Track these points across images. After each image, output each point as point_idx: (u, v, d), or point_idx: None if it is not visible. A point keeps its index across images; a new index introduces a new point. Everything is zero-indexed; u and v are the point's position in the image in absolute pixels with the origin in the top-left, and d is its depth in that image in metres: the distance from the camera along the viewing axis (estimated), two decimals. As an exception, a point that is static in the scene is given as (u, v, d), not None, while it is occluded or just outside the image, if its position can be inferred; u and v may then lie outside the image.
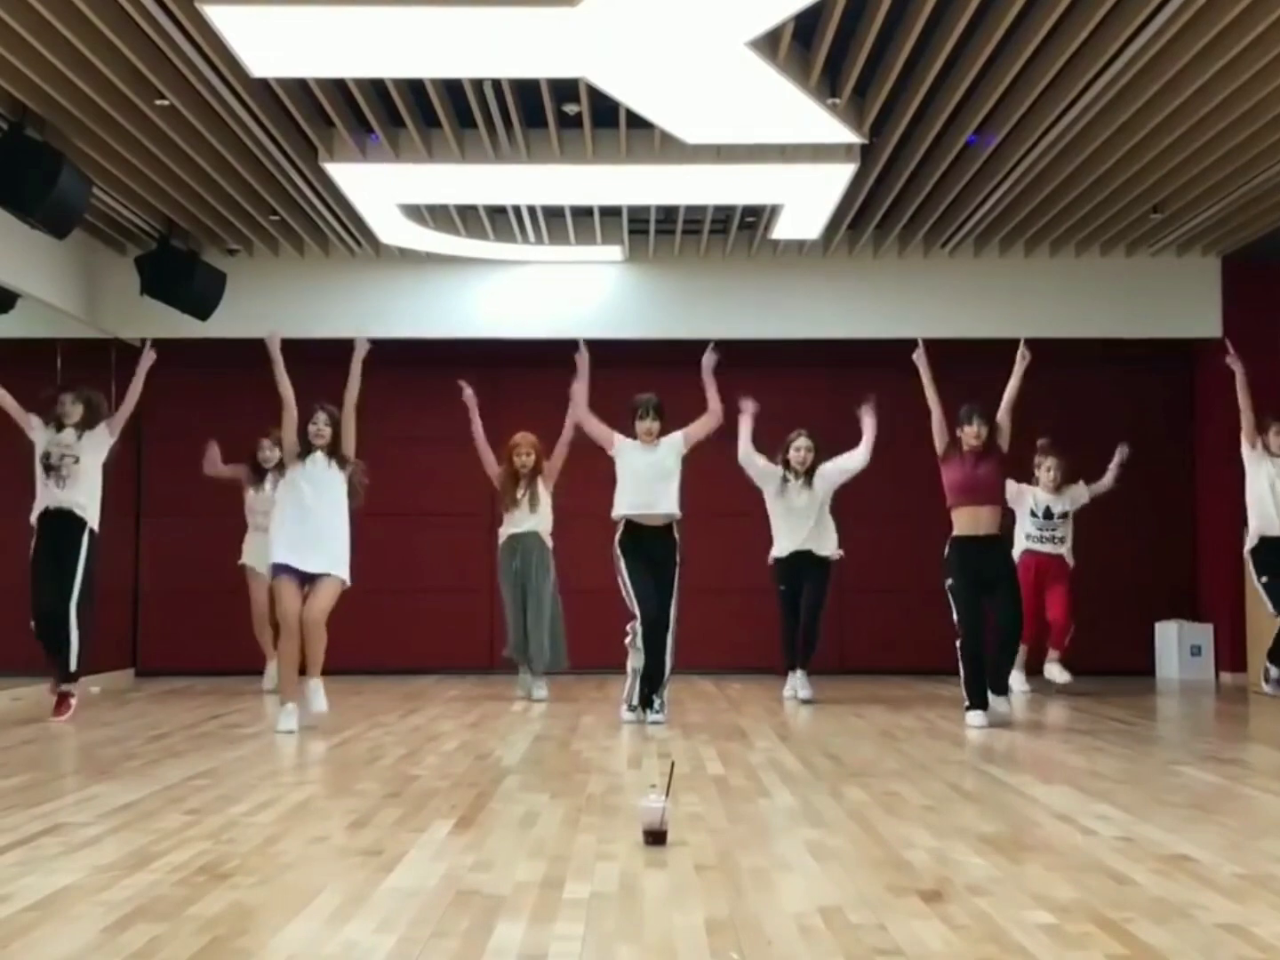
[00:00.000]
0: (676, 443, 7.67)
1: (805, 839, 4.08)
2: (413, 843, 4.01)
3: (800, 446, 8.91)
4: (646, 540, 7.46)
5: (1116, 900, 3.28)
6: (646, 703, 7.44)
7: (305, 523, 7.19)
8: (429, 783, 5.24)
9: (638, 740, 6.71)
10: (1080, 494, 9.40)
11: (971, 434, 7.48)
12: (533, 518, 8.92)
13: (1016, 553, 8.92)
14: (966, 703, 7.32)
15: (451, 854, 3.86)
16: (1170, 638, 10.91)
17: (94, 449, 7.97)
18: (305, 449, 7.36)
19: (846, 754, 6.18)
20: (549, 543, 8.98)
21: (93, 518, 7.90)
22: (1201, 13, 6.25)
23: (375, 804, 4.73)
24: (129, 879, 3.50)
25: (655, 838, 3.93)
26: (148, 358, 8.26)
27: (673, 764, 4.59)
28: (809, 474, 8.88)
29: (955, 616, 7.38)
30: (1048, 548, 9.30)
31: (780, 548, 8.95)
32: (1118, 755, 6.15)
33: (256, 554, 9.01)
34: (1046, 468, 9.28)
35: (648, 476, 7.54)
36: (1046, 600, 9.22)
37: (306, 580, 7.19)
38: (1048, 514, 9.32)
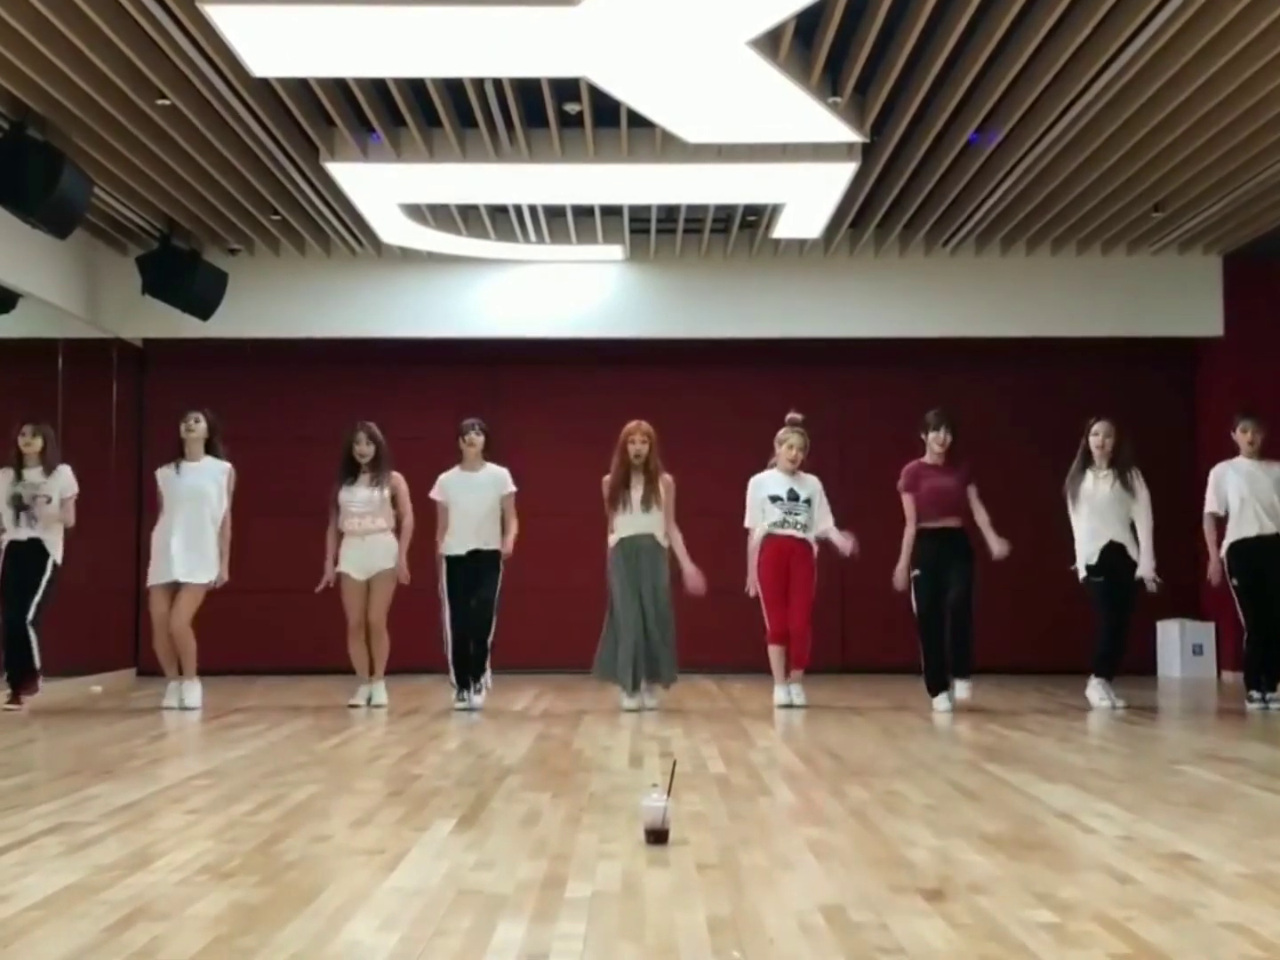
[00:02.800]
0: (500, 480, 8.29)
1: (807, 837, 4.08)
2: (414, 842, 4.01)
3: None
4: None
5: (1118, 899, 3.28)
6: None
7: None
8: (431, 782, 5.24)
9: (639, 739, 6.71)
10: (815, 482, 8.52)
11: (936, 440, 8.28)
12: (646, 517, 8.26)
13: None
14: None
15: (453, 853, 3.86)
16: (1172, 636, 10.91)
17: (61, 491, 8.33)
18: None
19: (848, 753, 6.17)
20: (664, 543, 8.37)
21: (58, 553, 8.33)
22: (1202, 11, 6.25)
23: (377, 803, 4.73)
24: (131, 878, 3.50)
25: (657, 837, 3.93)
26: None
27: (674, 763, 4.58)
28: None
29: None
30: (789, 531, 8.39)
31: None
32: (1119, 754, 6.15)
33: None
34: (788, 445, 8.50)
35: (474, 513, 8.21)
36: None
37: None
38: (792, 495, 8.42)
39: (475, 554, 8.19)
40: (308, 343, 10.96)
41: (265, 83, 7.16)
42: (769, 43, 6.48)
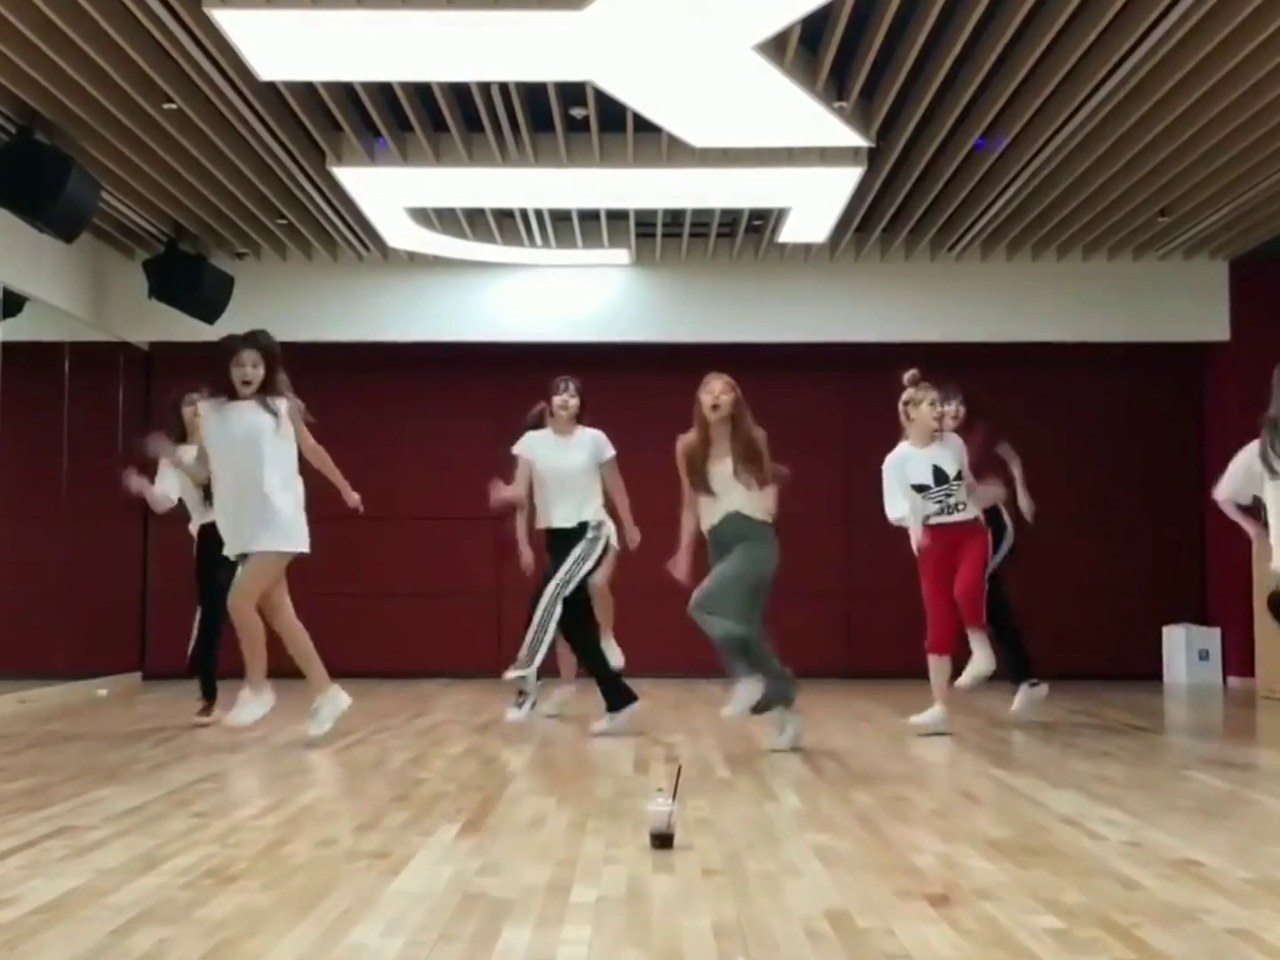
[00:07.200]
0: (598, 444, 7.36)
1: (813, 843, 4.08)
2: (420, 846, 4.01)
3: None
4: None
5: (1124, 905, 3.27)
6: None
7: None
8: (436, 786, 5.24)
9: (645, 744, 6.70)
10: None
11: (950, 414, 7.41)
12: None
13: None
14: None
15: (458, 857, 3.86)
16: (1178, 642, 10.89)
17: None
18: None
19: (854, 758, 6.17)
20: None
21: None
22: (1209, 16, 6.25)
23: (382, 807, 4.73)
24: (136, 882, 3.51)
25: (662, 841, 3.93)
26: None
27: (680, 767, 4.59)
28: None
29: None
30: (951, 518, 7.18)
31: None
32: (1126, 760, 6.14)
33: None
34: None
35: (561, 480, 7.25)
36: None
37: None
38: (939, 477, 7.18)
39: (575, 528, 7.20)
40: (313, 347, 10.96)
41: (272, 87, 7.17)
42: (775, 47, 6.48)
